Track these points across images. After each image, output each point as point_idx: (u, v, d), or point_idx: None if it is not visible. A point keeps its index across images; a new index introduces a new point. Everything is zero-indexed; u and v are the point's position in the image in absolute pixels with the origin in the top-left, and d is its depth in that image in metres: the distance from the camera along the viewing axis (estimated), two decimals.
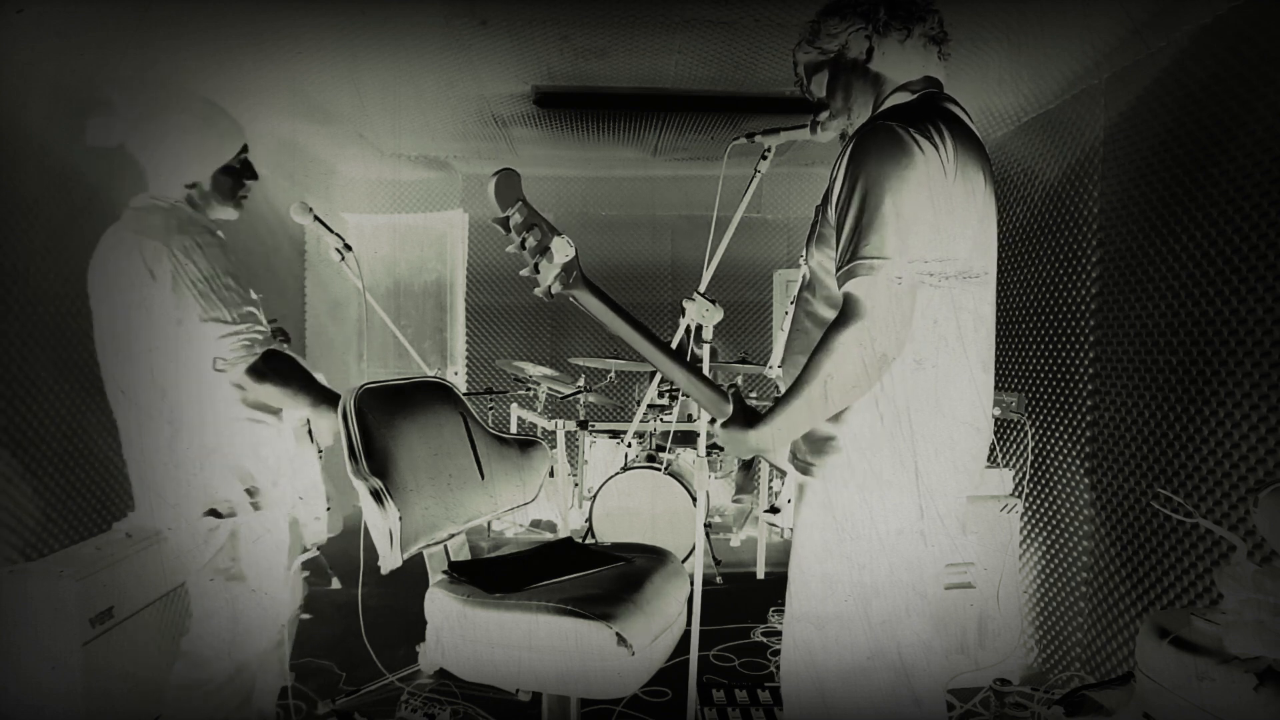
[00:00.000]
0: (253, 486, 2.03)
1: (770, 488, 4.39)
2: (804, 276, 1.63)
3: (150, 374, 2.04)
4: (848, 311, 1.36)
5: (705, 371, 2.48)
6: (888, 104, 1.55)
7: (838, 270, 1.40)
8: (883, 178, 1.36)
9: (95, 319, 2.05)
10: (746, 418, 1.47)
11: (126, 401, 2.04)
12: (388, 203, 5.83)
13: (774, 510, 1.78)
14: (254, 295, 2.04)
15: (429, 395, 2.04)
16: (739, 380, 4.75)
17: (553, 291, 1.48)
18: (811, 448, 1.51)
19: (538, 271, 1.46)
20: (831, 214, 1.46)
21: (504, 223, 1.42)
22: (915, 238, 1.36)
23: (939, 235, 1.39)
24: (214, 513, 1.99)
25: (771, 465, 1.79)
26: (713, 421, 1.55)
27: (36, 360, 2.55)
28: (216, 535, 2.01)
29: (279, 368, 1.96)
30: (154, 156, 2.01)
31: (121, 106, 1.98)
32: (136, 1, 2.41)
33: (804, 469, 1.53)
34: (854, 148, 1.43)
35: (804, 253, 1.61)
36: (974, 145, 1.46)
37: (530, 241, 1.43)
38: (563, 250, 1.45)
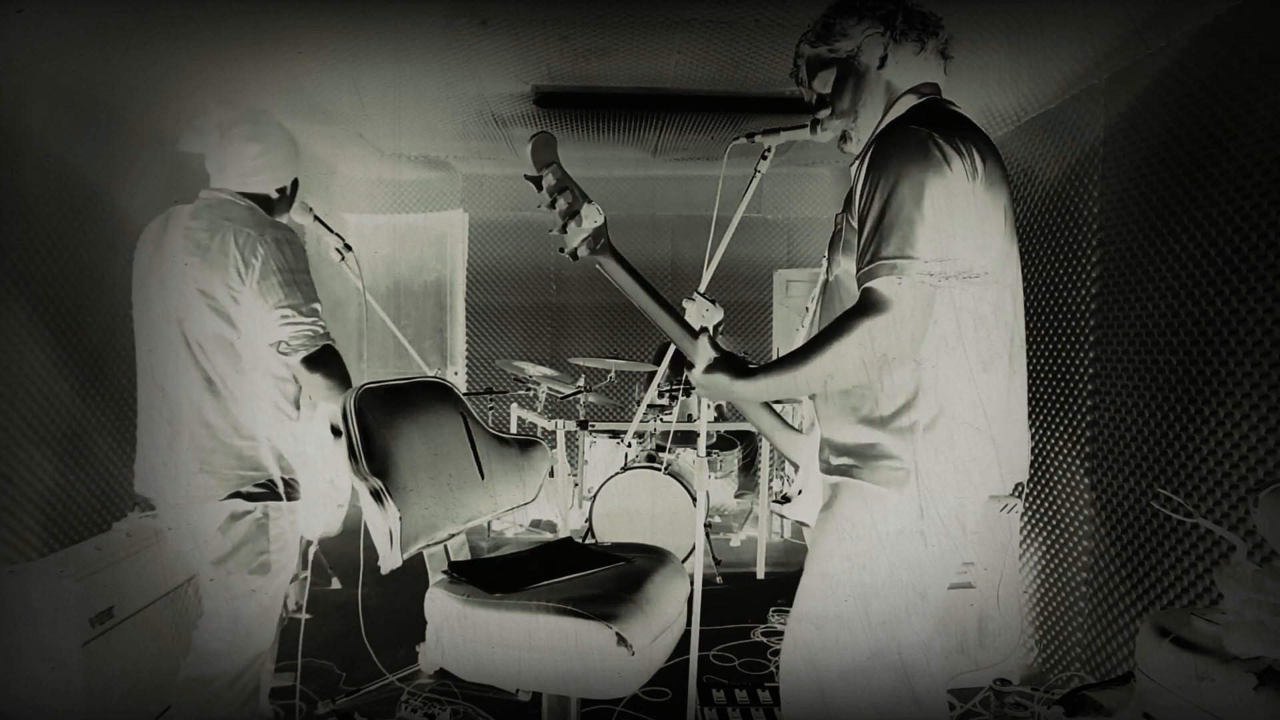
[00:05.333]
0: (281, 478, 2.05)
1: (770, 487, 4.38)
2: (824, 282, 1.64)
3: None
4: (868, 303, 1.37)
5: None
6: (897, 107, 1.55)
7: (858, 270, 1.41)
8: (908, 179, 1.36)
9: (141, 301, 2.08)
10: (739, 370, 1.53)
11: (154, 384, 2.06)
12: (388, 203, 5.84)
13: (784, 500, 1.78)
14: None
15: (429, 395, 2.04)
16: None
17: (578, 254, 1.54)
18: (848, 453, 1.50)
19: (564, 232, 1.51)
20: (855, 220, 1.47)
21: (536, 182, 1.48)
22: (942, 243, 1.36)
23: (956, 242, 1.39)
24: (239, 495, 2.00)
25: (790, 461, 1.80)
26: (691, 368, 1.59)
27: (36, 360, 2.55)
28: (240, 528, 2.01)
29: (329, 362, 2.06)
30: (228, 167, 2.10)
31: (209, 120, 2.09)
32: (136, 1, 2.41)
33: (844, 471, 1.51)
34: (877, 151, 1.43)
35: (826, 259, 1.62)
36: (992, 150, 1.46)
37: (561, 204, 1.48)
38: (592, 216, 1.50)
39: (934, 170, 1.36)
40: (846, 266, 1.53)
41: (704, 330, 1.58)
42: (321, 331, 2.04)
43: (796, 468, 1.77)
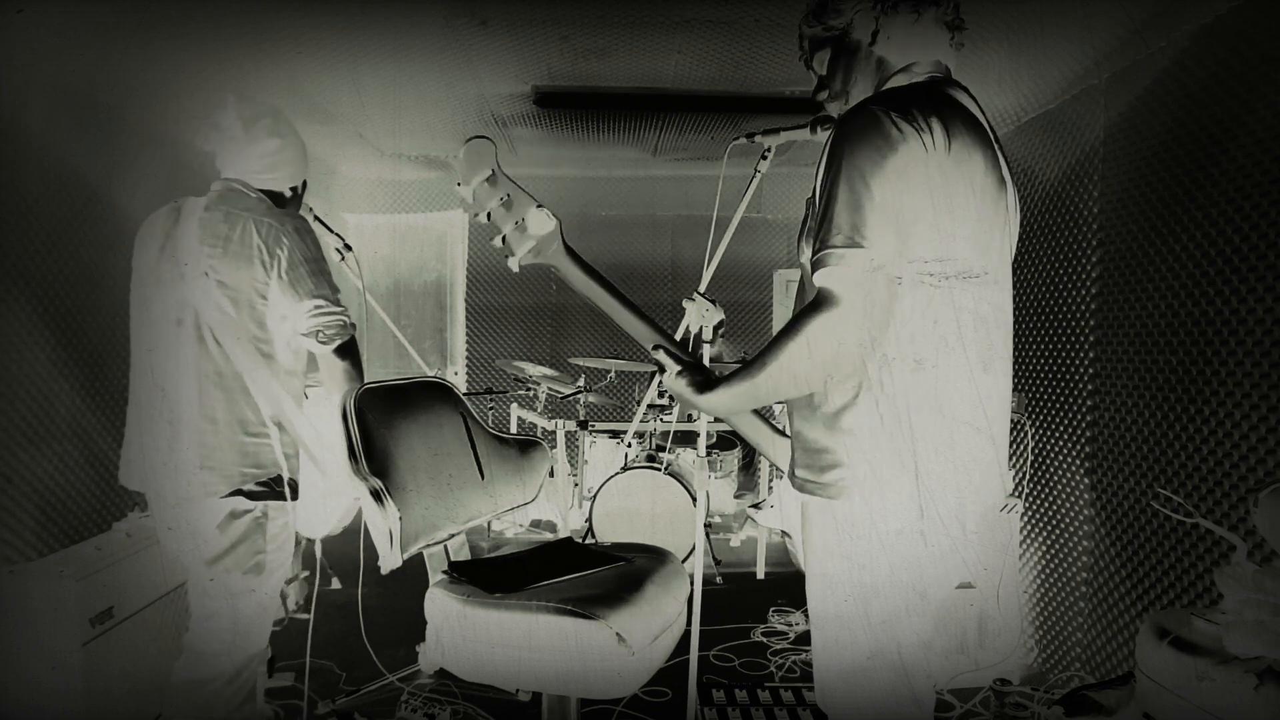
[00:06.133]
0: (293, 479, 2.05)
1: (770, 486, 4.38)
2: (801, 273, 1.61)
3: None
4: (819, 299, 1.32)
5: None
6: (886, 89, 1.48)
7: (812, 259, 1.37)
8: (857, 162, 1.30)
9: (138, 301, 2.08)
10: (701, 382, 1.49)
11: (150, 382, 2.06)
12: (388, 203, 5.83)
13: (756, 507, 1.77)
14: None
15: (429, 395, 2.04)
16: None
17: (522, 263, 1.49)
18: (810, 464, 1.48)
19: (504, 242, 1.46)
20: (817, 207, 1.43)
21: (473, 193, 1.43)
22: (896, 227, 1.31)
23: (936, 232, 1.35)
24: (239, 493, 2.00)
25: (774, 465, 1.76)
26: (663, 371, 1.55)
27: (36, 360, 2.55)
28: (236, 527, 2.01)
29: (355, 351, 2.10)
30: (243, 161, 2.11)
31: (229, 114, 2.10)
32: (136, 1, 2.41)
33: (801, 487, 1.50)
34: (834, 134, 1.38)
35: (797, 249, 1.59)
36: (976, 134, 1.40)
37: (500, 213, 1.43)
38: (540, 223, 1.44)
39: (884, 151, 1.29)
40: (809, 254, 1.48)
41: (669, 340, 1.55)
42: (350, 321, 2.08)
43: (783, 473, 1.75)
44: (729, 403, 1.49)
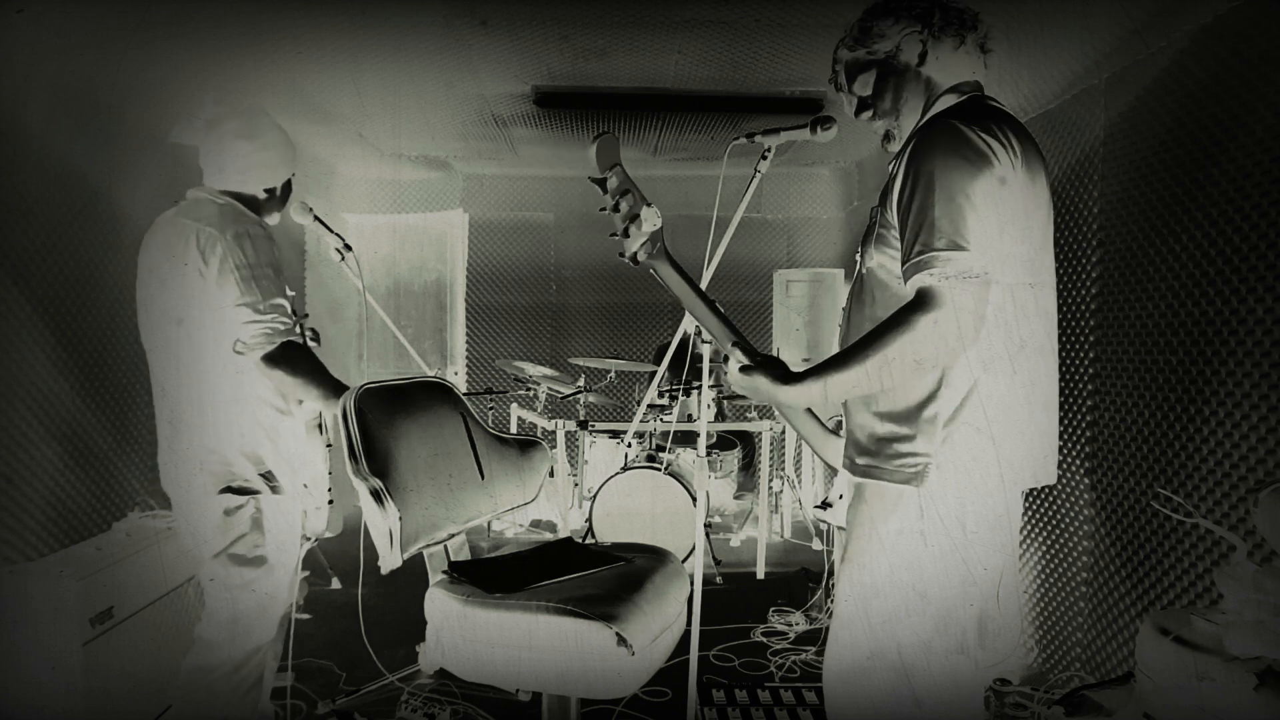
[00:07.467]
0: (269, 471, 2.05)
1: (771, 487, 4.38)
2: (858, 278, 1.63)
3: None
4: (921, 300, 1.37)
5: (705, 371, 2.50)
6: (938, 105, 1.56)
7: (905, 264, 1.41)
8: (951, 172, 1.37)
9: (140, 301, 2.09)
10: (781, 375, 1.51)
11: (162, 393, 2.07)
12: (388, 203, 5.84)
13: (826, 505, 1.78)
14: (289, 291, 2.10)
15: (429, 395, 2.04)
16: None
17: (638, 258, 1.57)
18: (879, 450, 1.50)
19: (626, 235, 1.54)
20: (892, 214, 1.48)
21: (601, 184, 1.51)
22: (989, 233, 1.37)
23: (1003, 237, 1.40)
24: (229, 489, 2.00)
25: (828, 465, 1.80)
26: (729, 361, 1.59)
27: (36, 360, 2.55)
28: (235, 522, 2.01)
29: (291, 358, 2.01)
30: (217, 164, 2.10)
31: (205, 112, 2.10)
32: (136, 1, 2.41)
33: (865, 472, 1.52)
34: (917, 145, 1.44)
35: (860, 253, 1.62)
36: (1031, 141, 1.48)
37: (624, 206, 1.51)
38: (651, 220, 1.52)
39: (977, 163, 1.37)
40: (880, 260, 1.53)
41: (744, 339, 1.60)
42: (281, 329, 1.99)
43: (835, 472, 1.77)
44: (811, 395, 1.49)
